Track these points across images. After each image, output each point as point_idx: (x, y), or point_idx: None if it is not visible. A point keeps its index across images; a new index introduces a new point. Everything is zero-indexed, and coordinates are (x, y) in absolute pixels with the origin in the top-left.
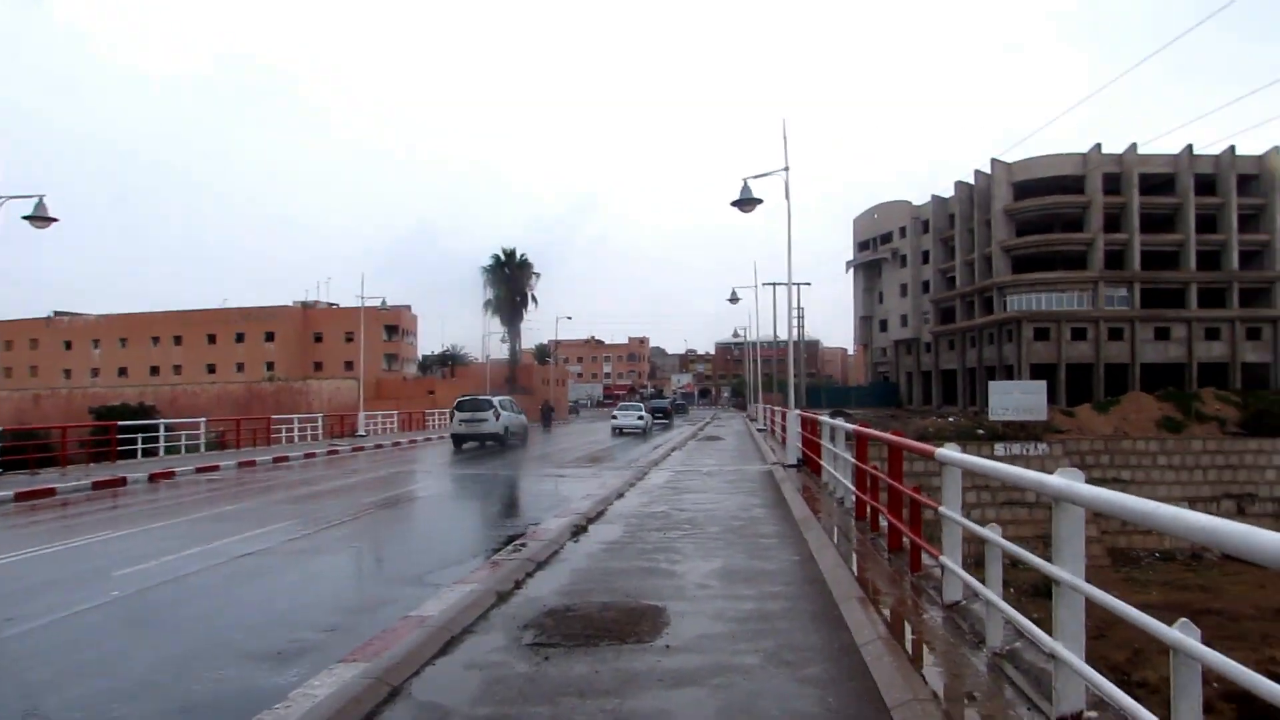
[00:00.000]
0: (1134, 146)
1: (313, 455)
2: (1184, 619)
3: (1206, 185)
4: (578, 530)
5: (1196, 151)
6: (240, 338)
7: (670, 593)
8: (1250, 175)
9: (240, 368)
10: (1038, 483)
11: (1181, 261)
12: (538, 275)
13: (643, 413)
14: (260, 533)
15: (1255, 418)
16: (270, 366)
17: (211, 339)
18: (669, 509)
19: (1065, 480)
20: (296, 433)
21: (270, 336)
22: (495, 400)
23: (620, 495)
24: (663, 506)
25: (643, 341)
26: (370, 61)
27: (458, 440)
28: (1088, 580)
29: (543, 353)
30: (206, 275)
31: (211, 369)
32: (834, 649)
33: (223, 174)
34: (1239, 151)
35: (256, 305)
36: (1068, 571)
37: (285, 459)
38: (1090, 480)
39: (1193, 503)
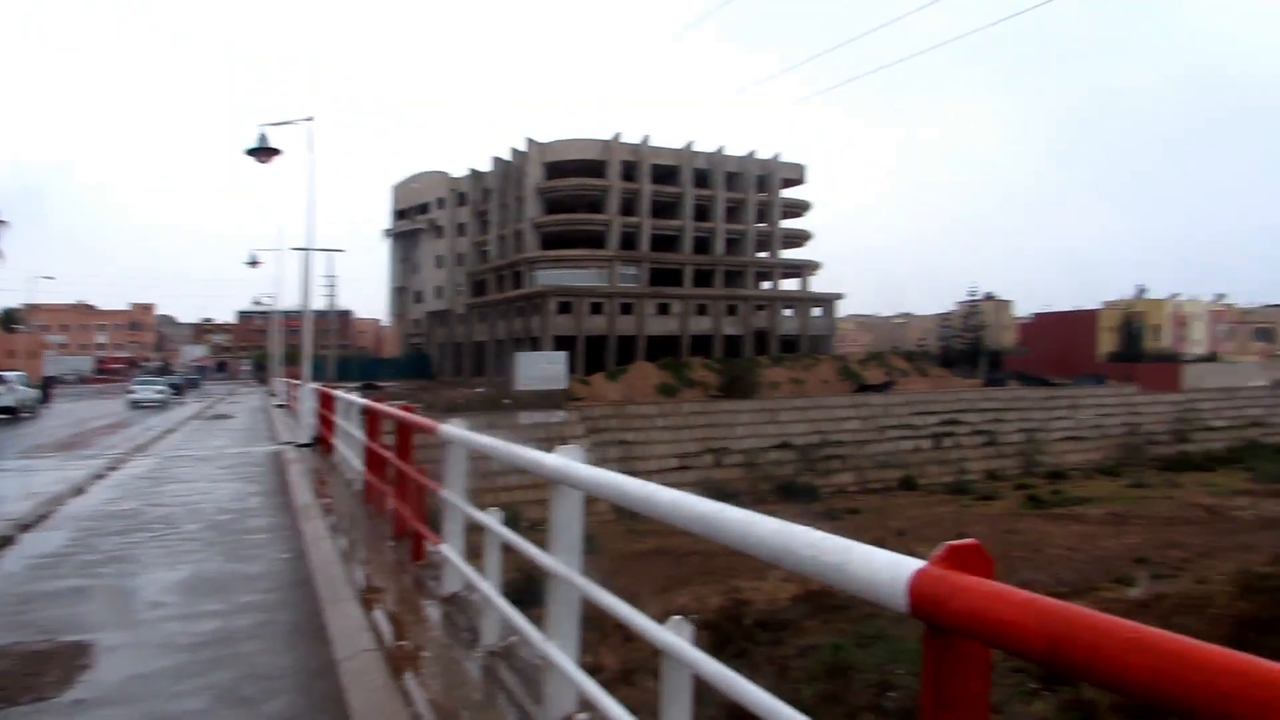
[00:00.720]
0: (647, 138)
1: None
2: (677, 617)
3: (702, 179)
4: (2, 543)
5: (695, 149)
6: None
7: (107, 620)
8: (735, 173)
9: None
10: (535, 463)
11: (681, 245)
12: (5, 224)
13: (162, 386)
14: None
15: (730, 383)
16: None
17: None
18: (142, 505)
19: (562, 460)
20: None
21: None
22: (9, 375)
23: (81, 490)
24: (134, 502)
25: (148, 308)
26: None
27: None
28: (588, 557)
29: (10, 318)
30: None
31: None
32: (311, 670)
33: None
34: (726, 152)
35: None
36: (562, 562)
37: None
38: (600, 442)
39: (682, 457)
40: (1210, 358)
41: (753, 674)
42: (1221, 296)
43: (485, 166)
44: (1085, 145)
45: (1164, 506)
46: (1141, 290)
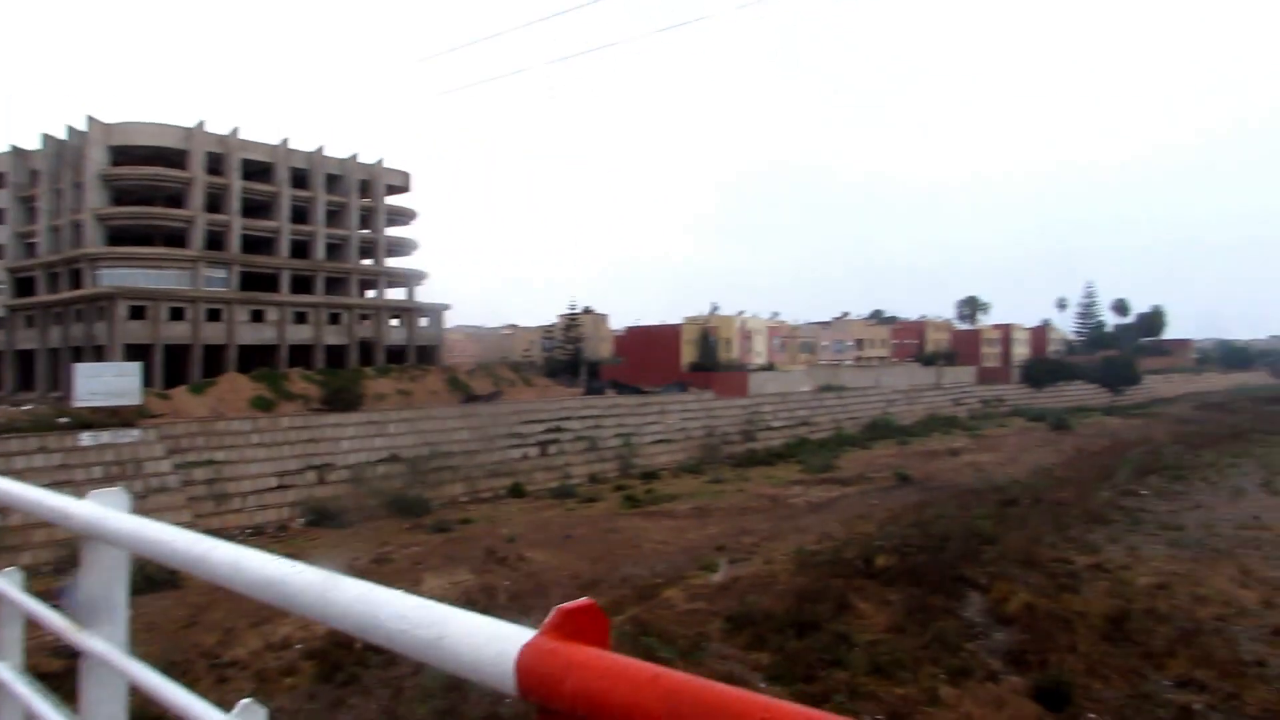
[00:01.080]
0: (236, 130)
1: None
2: (247, 700)
3: (300, 179)
4: None
5: (291, 146)
6: None
7: None
8: (336, 175)
9: None
10: (61, 514)
11: (277, 248)
12: None
13: None
14: None
15: (334, 394)
16: None
17: None
18: None
19: (97, 509)
20: None
21: None
22: None
23: None
24: None
25: None
26: None
27: None
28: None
29: None
30: None
31: None
32: None
33: None
34: (326, 153)
35: None
36: (101, 638)
37: None
38: (185, 463)
39: (282, 475)
40: (769, 367)
41: (366, 699)
42: (776, 314)
43: (32, 144)
44: (675, 184)
45: (737, 498)
46: (715, 308)
